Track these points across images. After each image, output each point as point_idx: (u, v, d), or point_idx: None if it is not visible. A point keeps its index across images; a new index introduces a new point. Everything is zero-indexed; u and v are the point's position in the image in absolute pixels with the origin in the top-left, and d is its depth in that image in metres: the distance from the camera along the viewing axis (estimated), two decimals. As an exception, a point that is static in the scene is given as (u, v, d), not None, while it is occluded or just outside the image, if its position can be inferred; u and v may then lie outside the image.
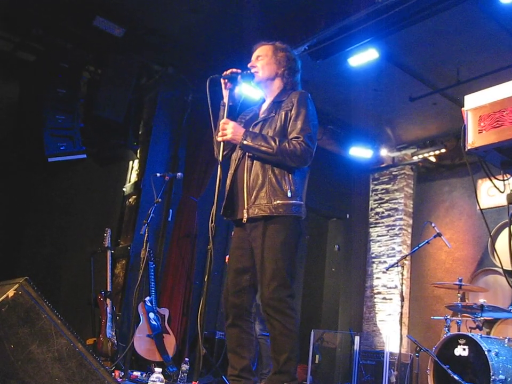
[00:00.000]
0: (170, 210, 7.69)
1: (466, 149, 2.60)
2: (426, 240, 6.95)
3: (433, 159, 9.72)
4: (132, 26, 6.91)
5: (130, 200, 7.82)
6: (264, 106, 3.80)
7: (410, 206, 10.14)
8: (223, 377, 6.22)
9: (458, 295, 6.40)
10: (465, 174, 9.20)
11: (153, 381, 3.68)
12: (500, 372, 5.14)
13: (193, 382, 3.08)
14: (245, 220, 3.47)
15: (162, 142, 7.91)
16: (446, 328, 6.11)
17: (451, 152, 9.25)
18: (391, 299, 9.59)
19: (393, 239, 9.96)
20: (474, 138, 2.55)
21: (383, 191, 10.41)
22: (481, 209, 7.90)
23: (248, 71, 3.65)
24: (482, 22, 6.26)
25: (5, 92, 7.52)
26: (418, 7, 5.81)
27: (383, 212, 10.30)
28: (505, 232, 7.86)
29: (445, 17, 6.10)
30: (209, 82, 3.47)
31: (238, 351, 3.46)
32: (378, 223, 10.32)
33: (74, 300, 7.70)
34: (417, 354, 6.35)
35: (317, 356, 7.88)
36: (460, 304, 6.08)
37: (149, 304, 6.57)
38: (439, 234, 6.84)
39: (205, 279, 3.20)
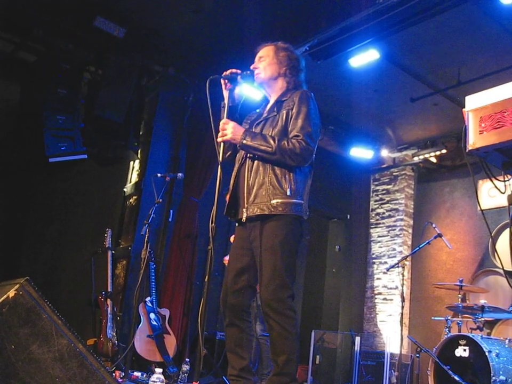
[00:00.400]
0: (171, 211, 7.70)
1: (467, 150, 2.60)
2: (427, 241, 6.95)
3: (434, 160, 9.72)
4: (133, 26, 6.91)
5: (131, 200, 7.83)
6: (268, 107, 3.80)
7: (411, 207, 10.14)
8: (224, 377, 6.23)
9: (459, 295, 6.40)
10: (466, 175, 9.20)
11: (154, 381, 3.68)
12: (501, 372, 5.14)
13: (194, 383, 3.08)
14: (244, 218, 3.47)
15: (163, 143, 7.91)
16: (447, 329, 6.11)
17: (452, 153, 9.24)
18: (391, 300, 9.59)
19: (394, 240, 9.96)
20: (475, 139, 2.55)
21: (383, 192, 10.41)
22: (482, 210, 7.91)
23: (248, 72, 3.64)
24: (483, 23, 6.26)
25: (5, 92, 7.53)
26: (419, 7, 5.81)
27: (383, 213, 10.30)
28: (506, 233, 7.85)
29: (446, 18, 6.10)
30: (209, 82, 3.47)
31: (237, 351, 3.45)
32: (379, 223, 10.32)
33: (75, 300, 7.70)
34: (417, 355, 6.34)
35: (318, 357, 7.89)
36: (460, 305, 6.08)
37: (150, 304, 6.57)
38: (439, 235, 6.84)
39: (206, 280, 3.19)
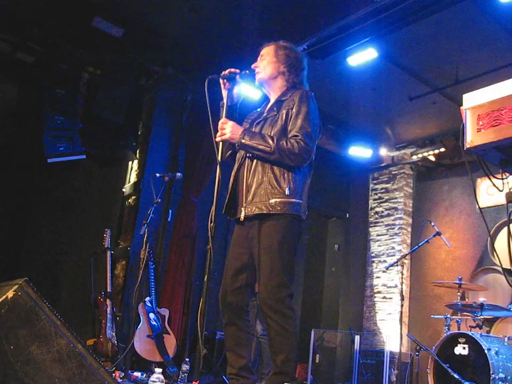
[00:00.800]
0: (170, 211, 7.70)
1: (465, 148, 2.60)
2: (426, 239, 6.95)
3: (432, 158, 9.72)
4: (131, 26, 6.90)
5: (130, 200, 7.82)
6: (268, 106, 3.80)
7: (409, 205, 10.14)
8: (224, 377, 6.23)
9: (458, 294, 6.40)
10: (465, 173, 9.20)
11: (154, 381, 3.68)
12: (500, 370, 5.14)
13: (194, 382, 3.07)
14: (242, 218, 3.47)
15: (162, 143, 7.91)
16: (446, 327, 6.11)
17: (450, 151, 9.25)
18: (391, 298, 9.60)
19: (393, 238, 9.96)
20: (473, 137, 2.55)
21: (382, 191, 10.41)
22: (480, 208, 7.89)
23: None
24: (481, 21, 6.26)
25: (4, 93, 7.52)
26: (417, 6, 5.81)
27: (382, 211, 10.30)
28: (505, 231, 7.86)
29: (444, 17, 6.11)
30: (208, 82, 3.46)
31: (236, 350, 3.45)
32: (378, 222, 10.32)
33: (74, 300, 7.69)
34: (417, 353, 6.35)
35: (317, 355, 7.88)
36: (459, 303, 6.09)
37: (149, 304, 6.57)
38: (438, 233, 6.84)
39: (205, 279, 3.19)
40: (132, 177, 7.97)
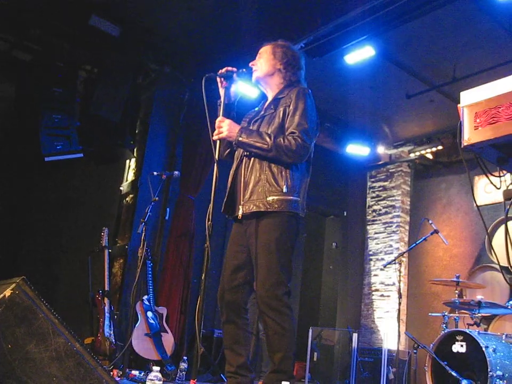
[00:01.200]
0: (168, 209, 7.69)
1: (462, 146, 2.60)
2: (423, 237, 6.96)
3: (430, 156, 9.74)
4: (128, 25, 6.90)
5: (127, 199, 7.82)
6: (266, 104, 3.80)
7: (407, 203, 10.15)
8: (222, 375, 6.25)
9: (456, 291, 6.40)
10: (462, 171, 9.20)
11: (152, 380, 3.68)
12: (498, 368, 5.15)
13: (192, 381, 3.07)
14: (240, 215, 3.47)
15: (159, 141, 7.90)
16: (444, 325, 6.11)
17: (448, 149, 9.26)
18: (388, 296, 9.61)
19: (390, 236, 9.97)
20: (470, 135, 2.55)
21: (380, 188, 10.42)
22: (478, 206, 7.89)
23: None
24: (478, 19, 6.27)
25: (1, 91, 7.51)
26: (415, 4, 5.82)
27: (380, 209, 10.31)
28: (502, 228, 7.86)
29: (441, 14, 6.11)
30: (205, 81, 3.46)
31: (234, 348, 3.46)
32: (376, 220, 10.33)
33: (72, 299, 7.68)
34: (415, 351, 6.35)
35: (315, 353, 7.89)
36: (457, 301, 6.09)
37: (147, 303, 6.57)
38: (436, 231, 6.85)
39: (202, 277, 3.19)
40: (130, 175, 7.97)
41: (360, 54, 6.76)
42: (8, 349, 2.25)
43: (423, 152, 9.56)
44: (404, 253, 7.66)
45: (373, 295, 9.90)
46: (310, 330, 7.72)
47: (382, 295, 9.74)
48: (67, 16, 6.66)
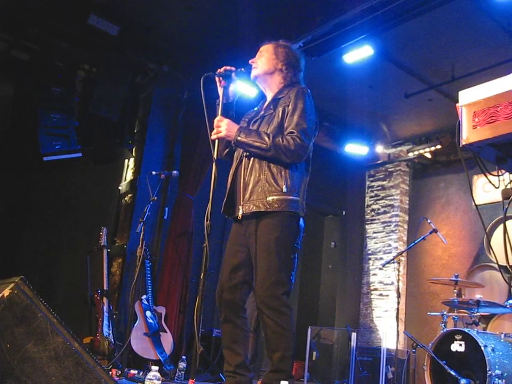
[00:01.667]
0: (166, 209, 7.69)
1: (460, 145, 2.60)
2: (422, 237, 6.96)
3: (428, 155, 9.74)
4: (127, 24, 6.89)
5: (126, 198, 7.82)
6: (265, 104, 3.80)
7: (406, 203, 10.16)
8: (220, 374, 6.25)
9: (455, 291, 6.40)
10: (461, 170, 9.21)
11: (150, 379, 3.68)
12: (496, 367, 5.15)
13: (190, 380, 3.07)
14: (240, 216, 3.47)
15: (158, 140, 7.91)
16: (443, 324, 6.11)
17: (446, 148, 9.26)
18: (387, 295, 9.61)
19: (389, 236, 9.98)
20: (468, 134, 2.55)
21: (379, 188, 10.42)
22: (476, 205, 7.91)
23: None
24: (477, 18, 6.27)
25: (0, 91, 7.51)
26: (413, 3, 5.82)
27: (379, 209, 10.31)
28: (501, 228, 7.84)
29: (440, 14, 6.11)
30: (203, 80, 3.46)
31: (233, 347, 3.46)
32: (374, 219, 10.33)
33: (70, 298, 7.69)
34: (414, 350, 6.36)
35: (314, 353, 7.89)
36: (456, 300, 6.09)
37: (146, 302, 6.58)
38: (435, 231, 6.85)
39: (201, 277, 3.19)
40: (128, 175, 7.96)
41: (358, 53, 6.76)
42: (7, 349, 2.25)
43: (421, 151, 9.55)
44: (403, 252, 7.66)
45: (371, 294, 9.90)
46: (309, 329, 7.73)
47: (380, 294, 9.74)
48: (66, 15, 6.65)
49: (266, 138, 3.39)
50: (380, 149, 10.07)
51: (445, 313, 6.23)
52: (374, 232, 10.25)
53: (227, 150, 3.74)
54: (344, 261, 10.28)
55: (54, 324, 2.39)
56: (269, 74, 3.74)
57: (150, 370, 3.80)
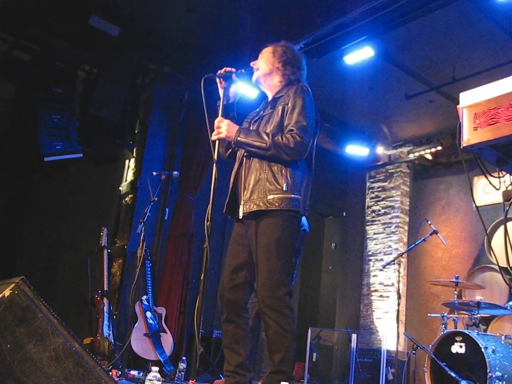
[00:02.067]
0: (167, 209, 7.69)
1: (461, 146, 2.60)
2: (422, 238, 6.96)
3: (429, 157, 9.73)
4: (128, 25, 6.90)
5: (126, 199, 7.82)
6: (265, 105, 3.81)
7: (406, 204, 10.15)
8: (220, 375, 6.25)
9: (455, 292, 6.40)
10: (462, 172, 9.21)
11: (151, 380, 3.68)
12: (497, 368, 5.15)
13: (190, 381, 3.07)
14: (241, 215, 3.47)
15: (159, 141, 7.90)
16: (443, 326, 6.11)
17: (447, 150, 9.26)
18: (388, 297, 9.61)
19: (389, 237, 9.97)
20: (469, 136, 2.55)
21: (379, 189, 10.42)
22: (477, 207, 7.91)
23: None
24: (477, 20, 6.27)
25: (0, 91, 7.51)
26: (414, 4, 5.82)
27: (379, 210, 10.31)
28: (501, 229, 7.83)
29: (441, 15, 6.12)
30: (204, 81, 3.47)
31: (233, 347, 3.45)
32: (375, 221, 10.33)
33: (71, 299, 7.68)
34: (414, 351, 6.36)
35: (314, 354, 7.89)
36: (456, 302, 6.09)
37: (146, 303, 6.58)
38: (435, 232, 6.85)
39: (201, 278, 3.19)
40: (129, 175, 7.96)
41: (359, 55, 6.77)
42: (7, 349, 2.25)
43: (422, 152, 9.55)
44: (403, 253, 7.66)
45: (372, 295, 9.90)
46: (309, 330, 7.73)
47: (381, 296, 9.74)
48: (67, 16, 6.66)
49: (266, 138, 3.39)
50: (380, 150, 10.07)
51: (445, 314, 6.23)
52: (375, 234, 10.25)
53: (229, 150, 3.75)
54: (344, 262, 10.28)
55: (54, 324, 2.39)
56: (268, 74, 3.75)
57: (150, 371, 3.81)
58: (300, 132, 3.39)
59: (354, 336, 7.65)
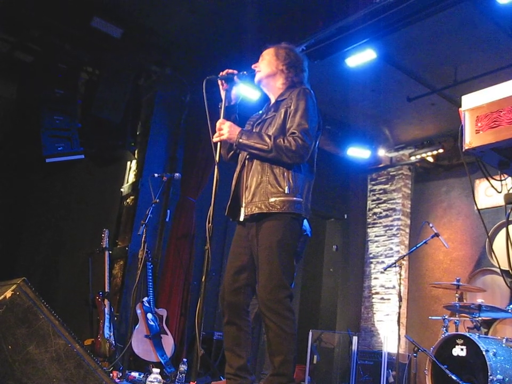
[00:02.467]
0: (168, 211, 7.69)
1: (463, 149, 2.60)
2: (424, 240, 6.95)
3: (430, 159, 9.73)
4: (130, 27, 6.91)
5: (128, 200, 7.82)
6: (268, 107, 3.80)
7: (408, 206, 10.15)
8: (221, 377, 6.24)
9: (456, 295, 6.40)
10: (463, 174, 9.20)
11: (151, 382, 3.68)
12: (498, 371, 5.14)
13: (191, 383, 3.07)
14: (242, 218, 3.47)
15: (160, 143, 7.91)
16: (444, 328, 6.11)
17: (449, 152, 9.26)
18: (389, 299, 9.60)
19: (391, 239, 9.97)
20: (471, 139, 2.55)
21: (380, 191, 10.41)
22: (478, 210, 7.93)
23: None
24: (479, 22, 6.27)
25: (2, 92, 7.53)
26: (416, 7, 5.81)
27: (381, 212, 10.30)
28: (503, 232, 7.86)
29: (443, 18, 6.11)
30: (206, 83, 3.46)
31: (234, 349, 3.45)
32: (376, 223, 10.32)
33: (72, 300, 7.69)
34: (415, 354, 6.34)
35: (315, 356, 7.88)
36: (457, 304, 6.08)
37: (147, 304, 6.57)
38: (436, 235, 6.84)
39: (203, 280, 3.19)
40: (130, 177, 7.97)
41: (361, 57, 6.77)
42: (8, 350, 2.25)
43: (423, 155, 9.55)
44: (404, 256, 7.65)
45: (373, 298, 9.89)
46: (310, 333, 7.72)
47: (382, 298, 9.73)
48: (69, 17, 6.67)
49: (268, 140, 3.39)
50: (382, 152, 10.07)
51: (446, 317, 6.22)
52: (376, 236, 10.24)
53: (231, 152, 3.75)
54: (345, 264, 10.27)
55: (55, 325, 2.40)
56: (271, 76, 3.75)
57: (151, 372, 3.81)
58: (302, 134, 3.38)
59: (355, 339, 7.65)
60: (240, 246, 3.57)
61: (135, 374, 5.39)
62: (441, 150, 9.23)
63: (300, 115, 3.46)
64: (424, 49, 6.98)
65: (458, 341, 5.60)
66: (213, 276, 7.28)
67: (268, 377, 3.32)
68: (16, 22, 6.78)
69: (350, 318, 9.96)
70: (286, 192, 3.37)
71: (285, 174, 3.41)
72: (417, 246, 7.02)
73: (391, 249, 9.89)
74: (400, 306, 6.85)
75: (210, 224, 3.21)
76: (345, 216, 10.46)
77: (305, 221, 3.55)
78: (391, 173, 10.31)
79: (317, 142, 3.63)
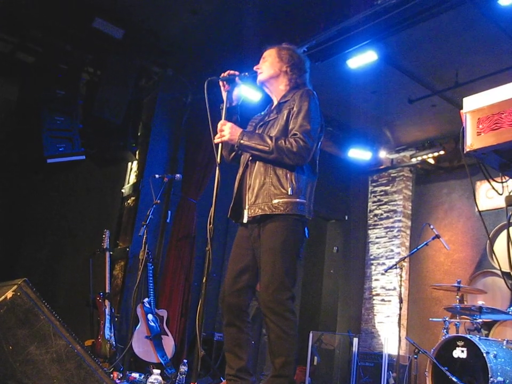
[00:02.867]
0: (169, 212, 7.69)
1: (464, 151, 2.60)
2: (425, 242, 6.95)
3: (432, 161, 9.73)
4: (131, 27, 6.91)
5: (129, 201, 7.82)
6: (271, 109, 3.80)
7: (409, 208, 10.14)
8: (222, 378, 6.24)
9: (457, 297, 6.40)
10: (464, 176, 9.20)
11: (152, 383, 3.68)
12: (498, 373, 5.14)
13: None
14: (245, 220, 3.47)
15: (161, 144, 7.91)
16: (445, 330, 6.11)
17: (450, 154, 9.25)
18: (389, 301, 9.59)
19: (391, 241, 9.96)
20: (472, 141, 2.55)
21: (381, 193, 10.41)
22: (479, 211, 7.91)
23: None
24: (481, 24, 6.26)
25: (4, 93, 7.52)
26: (417, 9, 5.82)
27: (381, 214, 10.30)
28: (504, 234, 7.86)
29: (444, 20, 6.11)
30: (207, 84, 3.46)
31: (235, 351, 3.44)
32: (377, 225, 10.32)
33: (72, 301, 7.69)
34: (415, 356, 6.34)
35: (316, 358, 7.88)
36: (458, 306, 6.08)
37: (148, 305, 6.57)
38: (437, 236, 6.84)
39: (203, 281, 3.19)
40: (131, 178, 7.97)
41: (362, 59, 6.77)
42: (9, 351, 2.25)
43: (424, 157, 9.55)
44: (405, 257, 7.64)
45: (373, 299, 9.89)
46: (311, 334, 7.72)
47: (382, 300, 9.73)
48: (70, 18, 6.67)
49: (269, 141, 3.39)
50: (383, 154, 10.07)
51: (447, 319, 6.23)
52: (377, 237, 10.24)
53: (233, 154, 3.75)
54: (346, 266, 10.26)
55: (56, 326, 2.39)
56: (274, 77, 3.74)
57: (151, 373, 3.82)
58: (304, 136, 3.38)
59: (355, 340, 7.65)
60: (242, 247, 3.57)
61: (135, 375, 5.39)
62: (442, 152, 9.23)
63: (302, 116, 3.46)
64: (426, 51, 6.97)
65: (458, 343, 5.60)
66: (213, 277, 7.29)
67: (269, 378, 3.32)
68: (18, 23, 6.79)
69: (351, 319, 9.95)
70: (289, 193, 3.37)
71: (288, 175, 3.41)
72: (418, 247, 7.02)
73: (392, 250, 9.88)
74: (400, 308, 6.84)
75: (211, 225, 3.21)
76: (346, 218, 10.46)
77: (306, 222, 3.55)
78: (392, 175, 10.31)
79: (319, 144, 3.63)
